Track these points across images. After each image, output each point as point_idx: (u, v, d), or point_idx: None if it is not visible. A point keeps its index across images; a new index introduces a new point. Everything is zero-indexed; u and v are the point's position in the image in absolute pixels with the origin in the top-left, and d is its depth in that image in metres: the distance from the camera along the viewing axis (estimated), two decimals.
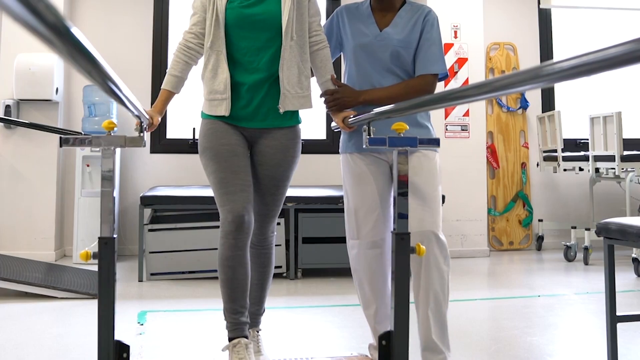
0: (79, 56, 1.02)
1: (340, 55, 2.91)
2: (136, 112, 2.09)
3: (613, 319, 2.91)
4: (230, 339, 2.56)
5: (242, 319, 2.57)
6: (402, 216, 2.21)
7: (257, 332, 2.83)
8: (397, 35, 2.68)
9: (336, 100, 2.67)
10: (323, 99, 2.72)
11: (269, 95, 2.63)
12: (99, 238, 2.10)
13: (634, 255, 5.15)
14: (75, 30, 0.91)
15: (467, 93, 1.51)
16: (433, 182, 2.65)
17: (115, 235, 2.13)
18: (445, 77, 2.77)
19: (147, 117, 2.40)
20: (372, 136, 2.28)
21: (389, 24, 2.72)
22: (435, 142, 2.38)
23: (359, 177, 2.73)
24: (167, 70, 2.71)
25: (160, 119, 2.60)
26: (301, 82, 2.66)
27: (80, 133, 5.26)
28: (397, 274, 2.20)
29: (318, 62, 2.72)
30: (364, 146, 2.31)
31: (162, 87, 2.69)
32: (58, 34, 0.85)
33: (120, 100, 1.75)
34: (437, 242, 2.57)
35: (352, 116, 2.57)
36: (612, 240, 2.90)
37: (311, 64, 2.73)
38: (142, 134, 2.26)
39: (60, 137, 2.23)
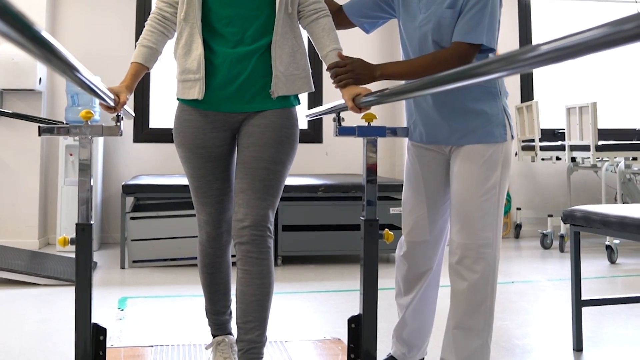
0: (53, 58, 1.10)
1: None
2: (112, 103, 2.17)
3: (578, 303, 3.02)
4: (214, 336, 2.54)
5: (225, 317, 2.54)
6: (370, 203, 2.30)
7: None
8: (443, 4, 2.25)
9: (348, 75, 2.21)
10: (329, 73, 2.29)
11: (255, 74, 2.23)
12: (76, 224, 2.18)
13: (607, 243, 5.26)
14: (45, 34, 0.98)
15: (448, 78, 1.55)
16: (479, 186, 2.25)
17: (92, 222, 2.20)
18: (491, 51, 2.25)
19: (112, 96, 2.14)
20: (341, 125, 2.33)
21: None
22: (404, 132, 2.33)
23: (409, 170, 2.45)
24: (137, 43, 2.33)
25: (128, 97, 2.25)
26: (296, 61, 2.28)
27: (62, 122, 5.31)
28: (366, 260, 2.29)
29: (319, 32, 2.31)
30: (335, 134, 2.34)
31: (131, 60, 2.31)
32: (30, 40, 0.92)
33: (95, 94, 1.83)
34: (476, 258, 2.28)
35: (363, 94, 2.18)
36: (577, 227, 3.00)
37: (310, 35, 2.34)
38: (118, 124, 2.33)
39: (39, 126, 2.29)
